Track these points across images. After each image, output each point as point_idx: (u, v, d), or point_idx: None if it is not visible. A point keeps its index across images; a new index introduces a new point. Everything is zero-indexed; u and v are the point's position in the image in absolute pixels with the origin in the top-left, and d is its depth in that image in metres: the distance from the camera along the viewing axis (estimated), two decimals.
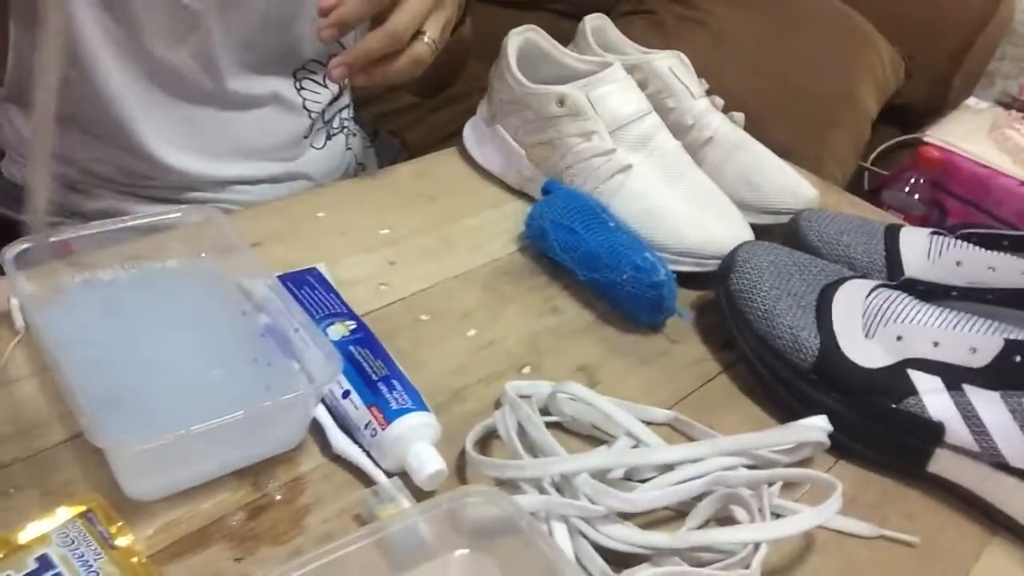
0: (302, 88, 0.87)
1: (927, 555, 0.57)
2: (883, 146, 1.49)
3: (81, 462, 0.51)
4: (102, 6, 0.72)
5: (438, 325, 0.68)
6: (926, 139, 1.35)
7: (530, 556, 0.45)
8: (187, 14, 0.74)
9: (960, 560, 0.57)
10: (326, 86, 0.89)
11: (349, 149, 0.98)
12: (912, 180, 1.32)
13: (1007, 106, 1.45)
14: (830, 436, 0.59)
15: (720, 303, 0.71)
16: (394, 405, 0.54)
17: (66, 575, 0.43)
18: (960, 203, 1.29)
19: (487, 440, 0.58)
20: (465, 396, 0.62)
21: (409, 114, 1.27)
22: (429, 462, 0.52)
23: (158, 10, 0.73)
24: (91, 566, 0.44)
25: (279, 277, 0.63)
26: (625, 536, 0.52)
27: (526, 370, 0.65)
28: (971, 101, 1.49)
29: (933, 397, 0.61)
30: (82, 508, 0.48)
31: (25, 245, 0.56)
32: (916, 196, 1.31)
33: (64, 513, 0.47)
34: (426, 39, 0.71)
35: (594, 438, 0.60)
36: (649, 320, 0.71)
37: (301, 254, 0.70)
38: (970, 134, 1.37)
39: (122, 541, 0.47)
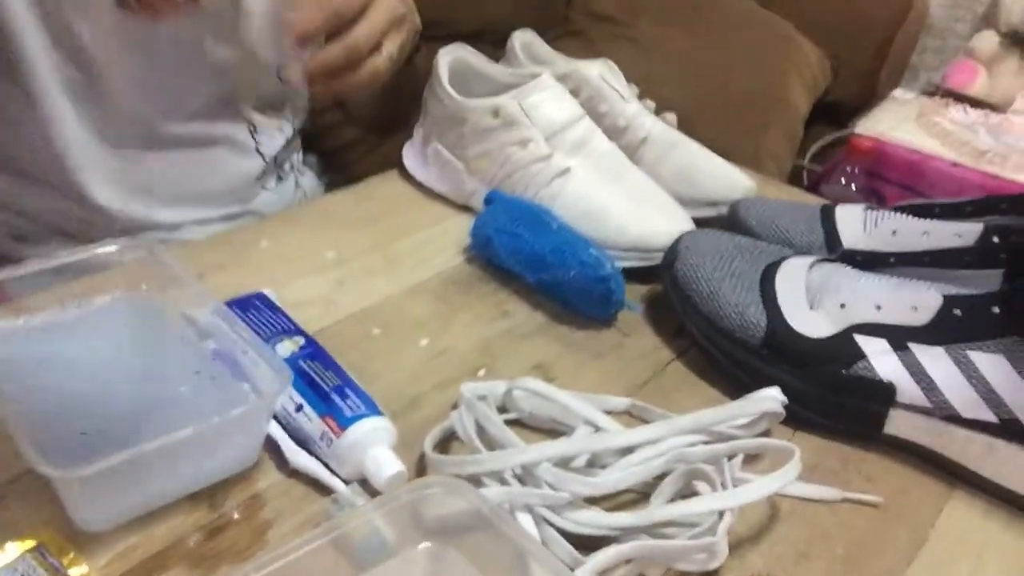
0: (256, 132, 0.87)
1: (891, 515, 0.58)
2: (817, 144, 1.53)
3: (29, 499, 0.50)
4: (66, 56, 0.73)
5: (390, 338, 0.67)
6: (857, 131, 1.38)
7: (497, 544, 0.45)
8: (146, 59, 0.75)
9: (923, 516, 0.58)
10: (280, 129, 0.90)
11: (299, 187, 0.98)
12: (848, 171, 1.35)
13: (931, 95, 1.50)
14: (786, 408, 0.60)
15: (667, 291, 0.71)
16: (348, 413, 0.54)
17: None
18: (896, 189, 1.32)
19: (446, 443, 0.58)
20: (421, 402, 0.61)
21: (358, 148, 1.28)
22: (387, 465, 0.52)
23: (121, 57, 0.74)
24: None
25: (225, 303, 0.62)
26: (591, 520, 0.52)
27: (481, 373, 0.65)
28: (897, 92, 1.54)
29: (881, 359, 0.62)
30: (32, 543, 0.47)
31: None
32: (853, 187, 1.34)
33: (13, 549, 0.46)
34: (384, 53, 0.72)
35: (554, 431, 0.60)
36: (600, 314, 0.71)
37: (246, 281, 0.69)
38: (899, 123, 1.41)
39: (75, 572, 0.46)
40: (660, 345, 0.71)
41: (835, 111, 1.61)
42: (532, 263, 0.72)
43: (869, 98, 1.61)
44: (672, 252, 0.72)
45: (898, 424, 0.62)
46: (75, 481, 0.45)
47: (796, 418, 0.63)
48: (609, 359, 0.68)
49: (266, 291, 0.67)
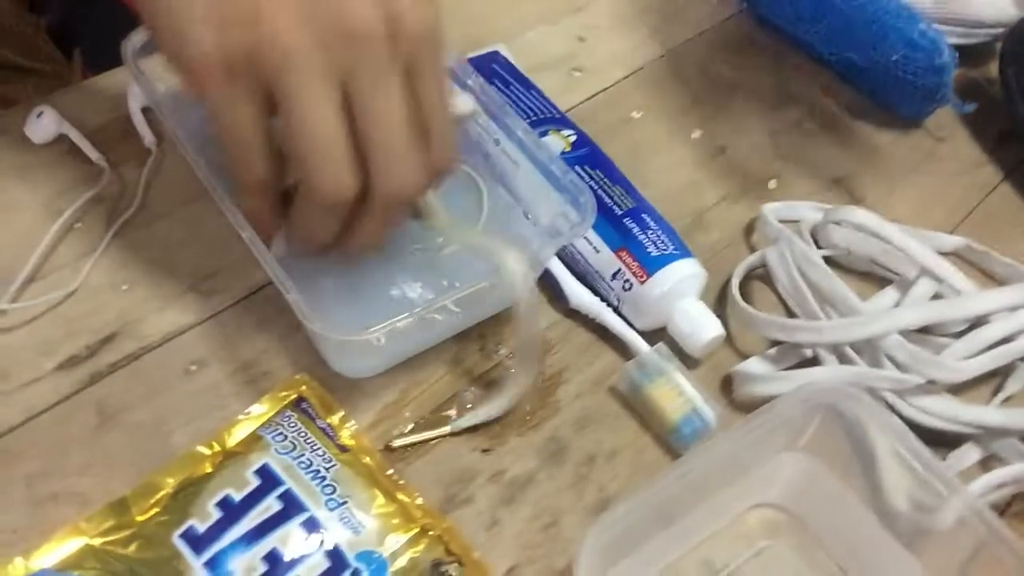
0: None
1: None
2: None
3: (263, 326, 0.41)
4: None
5: (654, 125, 0.54)
6: None
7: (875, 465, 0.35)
8: None
9: None
10: None
11: None
12: None
13: None
14: None
15: (1008, 88, 0.55)
16: (653, 251, 0.42)
17: (298, 493, 0.34)
18: None
19: (744, 284, 0.47)
20: (707, 222, 0.49)
21: None
22: (705, 326, 0.41)
23: None
24: (324, 478, 0.35)
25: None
26: (946, 411, 0.42)
27: (772, 184, 0.52)
28: None
29: None
30: (291, 395, 0.38)
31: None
32: None
33: (270, 403, 0.38)
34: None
35: (872, 276, 0.48)
36: (916, 112, 0.56)
37: (466, 26, 0.54)
38: None
39: (346, 436, 0.37)
40: (983, 159, 0.56)
41: None
42: (835, 35, 0.56)
43: None
44: (1020, 31, 0.55)
45: None
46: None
47: None
48: (923, 174, 0.54)
49: (500, 48, 0.53)
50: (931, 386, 0.42)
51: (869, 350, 0.42)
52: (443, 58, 0.34)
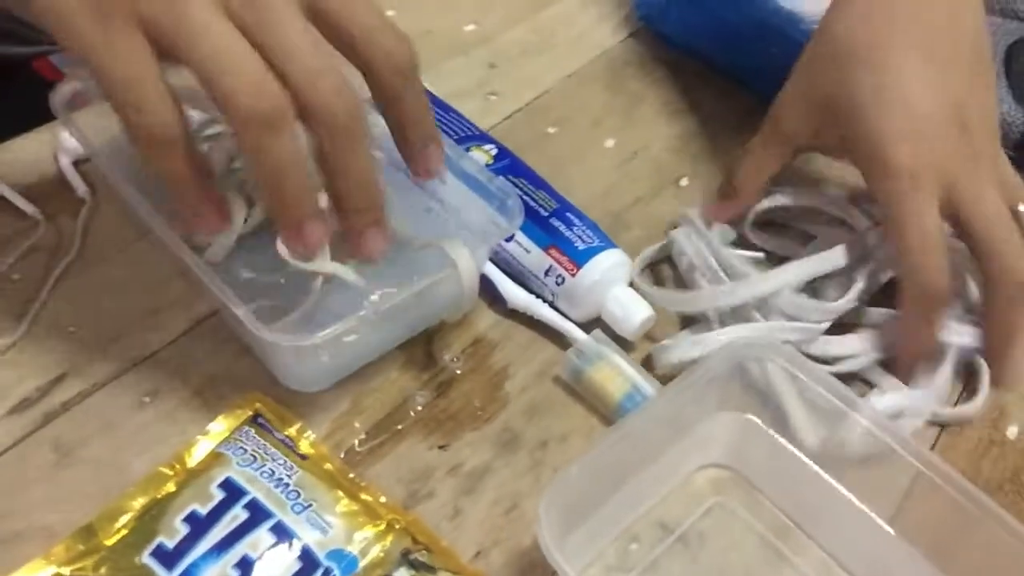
0: None
1: None
2: None
3: (211, 354, 0.42)
4: None
5: (569, 138, 0.57)
6: None
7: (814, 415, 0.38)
8: None
9: None
10: None
11: None
12: None
13: None
14: None
15: None
16: (580, 245, 0.45)
17: (263, 501, 0.35)
18: None
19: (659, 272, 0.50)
20: (627, 220, 0.52)
21: None
22: (636, 309, 0.44)
23: None
24: (287, 485, 0.36)
25: None
26: (845, 349, 0.45)
27: (684, 182, 0.55)
28: None
29: None
30: (247, 412, 0.39)
31: (79, 84, 0.43)
32: None
33: (227, 421, 0.39)
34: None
35: None
36: None
37: None
38: None
39: (306, 445, 0.39)
40: None
41: None
42: (726, 44, 0.60)
43: None
44: None
45: None
46: (295, 347, 0.37)
47: None
48: (815, 160, 0.58)
49: None
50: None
51: (766, 311, 0.45)
52: None
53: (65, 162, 0.48)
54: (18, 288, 0.43)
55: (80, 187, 0.48)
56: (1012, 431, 0.45)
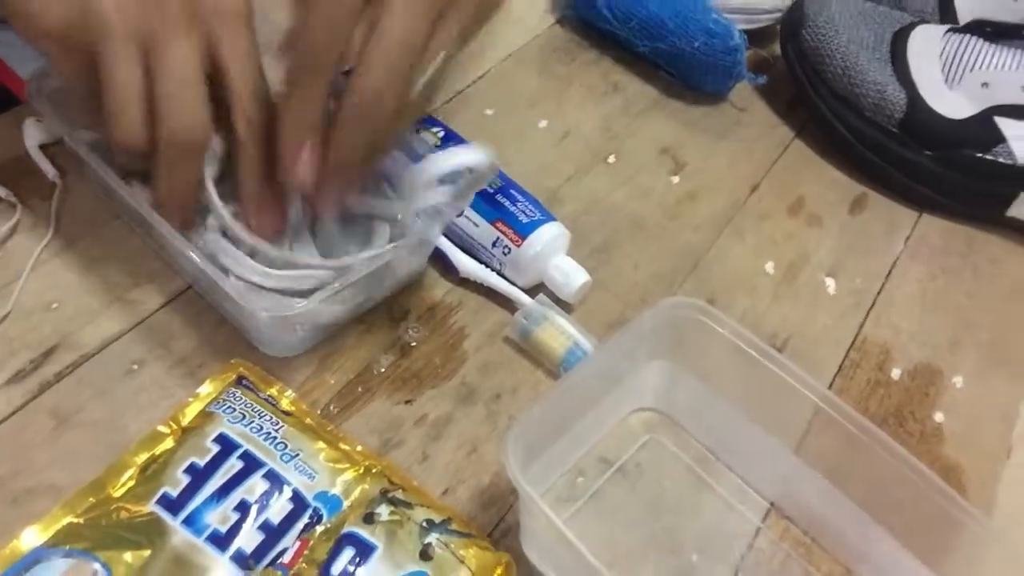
0: None
1: (1020, 295, 0.59)
2: None
3: (191, 325, 0.46)
4: None
5: (506, 119, 0.62)
6: None
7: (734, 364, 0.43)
8: None
9: None
10: None
11: None
12: None
13: None
14: (915, 189, 0.61)
15: (789, 61, 0.67)
16: (523, 219, 0.50)
17: (255, 452, 0.39)
18: None
19: None
20: (561, 196, 0.58)
21: None
22: (575, 275, 0.49)
23: None
24: (275, 438, 0.40)
25: None
26: None
27: (611, 159, 0.61)
28: None
29: (1021, 143, 0.60)
30: (232, 375, 0.43)
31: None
32: None
33: (214, 385, 0.43)
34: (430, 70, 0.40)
35: None
36: (718, 88, 0.67)
37: None
38: None
39: (287, 403, 0.43)
40: (777, 121, 0.68)
41: None
42: (646, 30, 0.65)
43: None
44: (796, 15, 0.67)
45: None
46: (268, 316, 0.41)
47: (924, 200, 0.63)
48: (732, 140, 0.65)
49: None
50: None
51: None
52: (247, 36, 0.40)
53: (32, 146, 0.51)
54: (1, 268, 0.46)
55: (50, 171, 0.50)
56: (895, 373, 0.52)
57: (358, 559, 0.37)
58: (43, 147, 0.51)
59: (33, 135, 0.51)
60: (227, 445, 0.40)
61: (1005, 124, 0.61)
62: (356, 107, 0.39)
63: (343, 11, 0.38)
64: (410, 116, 0.43)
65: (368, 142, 0.40)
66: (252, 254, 0.43)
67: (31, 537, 0.36)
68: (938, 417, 0.51)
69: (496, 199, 0.51)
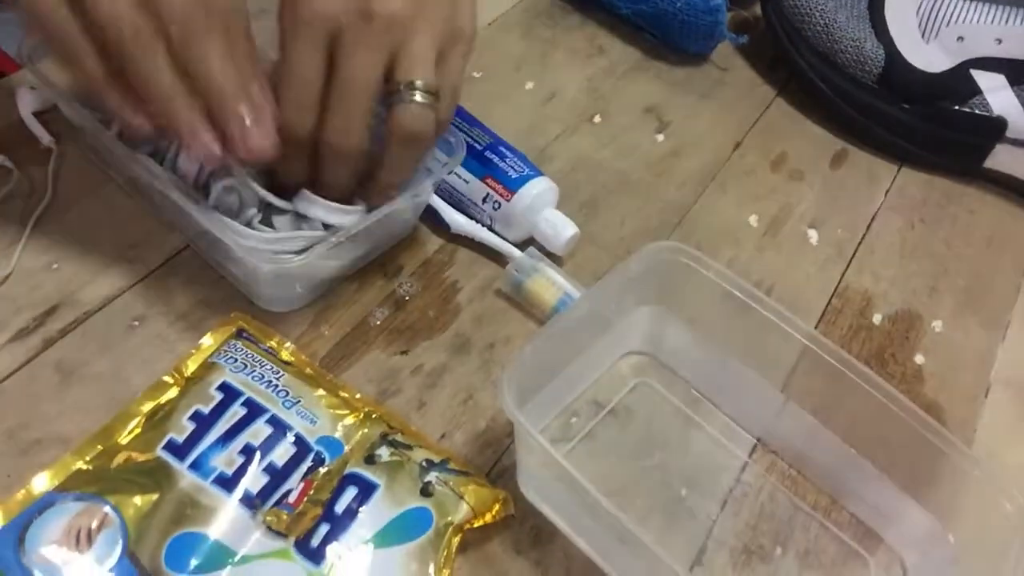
0: None
1: (995, 245, 0.61)
2: None
3: (190, 282, 0.47)
4: None
5: (493, 82, 0.63)
6: None
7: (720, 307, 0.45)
8: None
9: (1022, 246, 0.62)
10: None
11: None
12: None
13: None
14: (893, 143, 0.62)
15: (770, 21, 0.68)
16: (512, 174, 0.51)
17: (257, 399, 0.41)
18: None
19: None
20: (550, 154, 0.59)
21: None
22: (564, 227, 0.50)
23: None
24: (276, 386, 0.41)
25: None
26: None
27: (597, 119, 0.62)
28: None
29: (997, 95, 0.62)
30: (232, 328, 0.44)
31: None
32: None
33: (215, 337, 0.44)
34: (417, 96, 0.41)
35: None
36: (700, 48, 0.68)
37: None
38: None
39: (287, 354, 0.44)
40: (759, 80, 0.69)
41: None
42: None
43: None
44: None
45: (1000, 158, 0.64)
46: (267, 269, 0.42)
47: (903, 153, 0.65)
48: (716, 99, 0.66)
49: None
50: None
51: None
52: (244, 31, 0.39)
53: (26, 112, 0.51)
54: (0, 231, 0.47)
55: (45, 137, 0.51)
56: (877, 318, 0.54)
57: (361, 497, 0.38)
58: (37, 114, 0.52)
59: (27, 102, 0.52)
60: (230, 393, 0.41)
61: (981, 77, 0.62)
62: (331, 147, 0.41)
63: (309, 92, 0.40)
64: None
65: (354, 171, 0.43)
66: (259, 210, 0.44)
67: (42, 482, 0.37)
68: (918, 359, 0.52)
69: (485, 155, 0.52)
